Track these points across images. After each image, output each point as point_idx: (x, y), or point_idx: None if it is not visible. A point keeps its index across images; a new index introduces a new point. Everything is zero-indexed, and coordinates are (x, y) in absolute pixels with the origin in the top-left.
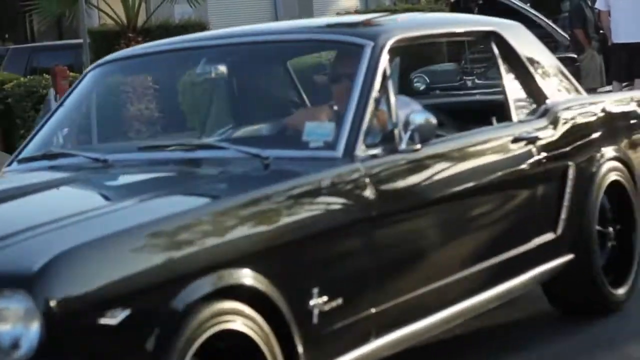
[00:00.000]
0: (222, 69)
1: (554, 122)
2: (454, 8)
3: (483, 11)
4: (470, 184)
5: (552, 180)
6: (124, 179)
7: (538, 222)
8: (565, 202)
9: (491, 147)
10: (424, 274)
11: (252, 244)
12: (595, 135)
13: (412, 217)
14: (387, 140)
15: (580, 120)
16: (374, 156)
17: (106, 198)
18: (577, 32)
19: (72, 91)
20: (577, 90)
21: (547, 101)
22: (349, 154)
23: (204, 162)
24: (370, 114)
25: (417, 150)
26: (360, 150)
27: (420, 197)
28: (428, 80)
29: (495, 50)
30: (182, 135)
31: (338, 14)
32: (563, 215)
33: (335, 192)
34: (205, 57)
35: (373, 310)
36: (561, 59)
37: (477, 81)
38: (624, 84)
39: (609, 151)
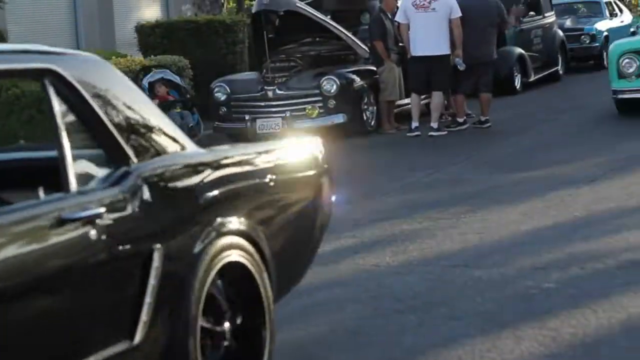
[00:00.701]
0: None
1: (134, 191)
2: (255, 20)
3: (284, 23)
4: None
5: (126, 272)
6: None
7: (104, 329)
8: (148, 299)
9: (20, 233)
10: None
11: None
12: (201, 204)
13: None
14: None
15: (178, 185)
16: None
17: None
18: (377, 45)
19: None
20: (181, 146)
21: (130, 162)
22: None
23: None
24: None
25: None
26: None
27: None
28: (228, 90)
29: (52, 95)
30: None
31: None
32: (144, 317)
33: None
34: None
35: None
36: (361, 71)
37: (278, 91)
38: (423, 96)
39: (225, 224)
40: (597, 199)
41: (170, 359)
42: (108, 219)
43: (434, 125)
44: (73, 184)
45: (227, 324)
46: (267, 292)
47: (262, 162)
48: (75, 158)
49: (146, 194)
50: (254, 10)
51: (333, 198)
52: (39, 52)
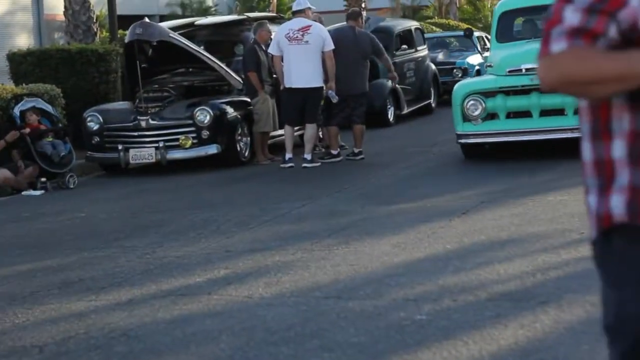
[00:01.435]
0: None
1: None
2: (128, 49)
3: (157, 53)
4: None
5: None
6: None
7: None
8: None
9: None
10: None
11: None
12: None
13: None
14: None
15: None
16: None
17: None
18: (251, 76)
19: None
20: None
21: None
22: None
23: None
24: None
25: None
26: None
27: None
28: (101, 119)
29: None
30: None
31: (10, 51)
32: None
33: None
34: None
35: None
36: (234, 102)
37: (151, 121)
38: (296, 128)
39: None
40: (468, 231)
41: None
42: None
43: (308, 156)
44: None
45: None
46: None
47: None
48: None
49: None
50: (126, 39)
51: None
52: None
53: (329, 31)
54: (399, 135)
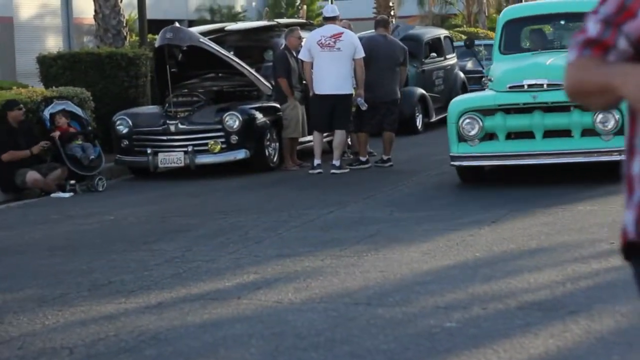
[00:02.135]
0: None
1: None
2: (158, 54)
3: (187, 58)
4: None
5: None
6: None
7: None
8: None
9: None
10: None
11: None
12: None
13: None
14: None
15: None
16: None
17: None
18: (281, 82)
19: None
20: None
21: None
22: None
23: None
24: None
25: None
26: None
27: None
28: (130, 123)
29: None
30: None
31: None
32: None
33: None
34: None
35: None
36: (264, 108)
37: (180, 126)
38: (325, 134)
39: None
40: (498, 240)
41: None
42: None
43: (336, 163)
44: None
45: None
46: None
47: None
48: None
49: None
50: (157, 44)
51: None
52: None
53: (360, 39)
54: (427, 142)
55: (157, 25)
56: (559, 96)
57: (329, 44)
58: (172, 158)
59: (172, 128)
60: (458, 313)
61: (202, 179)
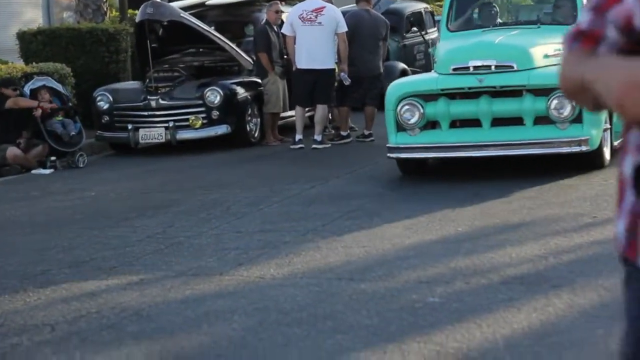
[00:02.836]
0: None
1: None
2: (139, 29)
3: (168, 33)
4: None
5: None
6: None
7: None
8: None
9: None
10: None
11: None
12: None
13: None
14: None
15: None
16: None
17: None
18: (261, 57)
19: None
20: None
21: None
22: None
23: None
24: None
25: None
26: None
27: None
28: (111, 99)
29: None
30: None
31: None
32: None
33: None
34: None
35: None
36: (245, 83)
37: (161, 101)
38: (307, 109)
39: None
40: (480, 214)
41: None
42: None
43: (318, 138)
44: None
45: None
46: None
47: None
48: None
49: None
50: (137, 19)
51: None
52: None
53: (344, 13)
54: None
55: (137, 1)
56: (508, 79)
57: (310, 18)
58: (153, 134)
59: (153, 104)
60: (441, 288)
61: (184, 155)
